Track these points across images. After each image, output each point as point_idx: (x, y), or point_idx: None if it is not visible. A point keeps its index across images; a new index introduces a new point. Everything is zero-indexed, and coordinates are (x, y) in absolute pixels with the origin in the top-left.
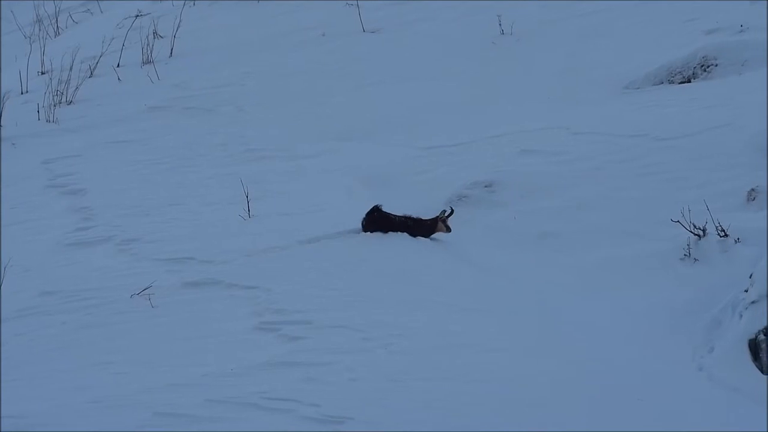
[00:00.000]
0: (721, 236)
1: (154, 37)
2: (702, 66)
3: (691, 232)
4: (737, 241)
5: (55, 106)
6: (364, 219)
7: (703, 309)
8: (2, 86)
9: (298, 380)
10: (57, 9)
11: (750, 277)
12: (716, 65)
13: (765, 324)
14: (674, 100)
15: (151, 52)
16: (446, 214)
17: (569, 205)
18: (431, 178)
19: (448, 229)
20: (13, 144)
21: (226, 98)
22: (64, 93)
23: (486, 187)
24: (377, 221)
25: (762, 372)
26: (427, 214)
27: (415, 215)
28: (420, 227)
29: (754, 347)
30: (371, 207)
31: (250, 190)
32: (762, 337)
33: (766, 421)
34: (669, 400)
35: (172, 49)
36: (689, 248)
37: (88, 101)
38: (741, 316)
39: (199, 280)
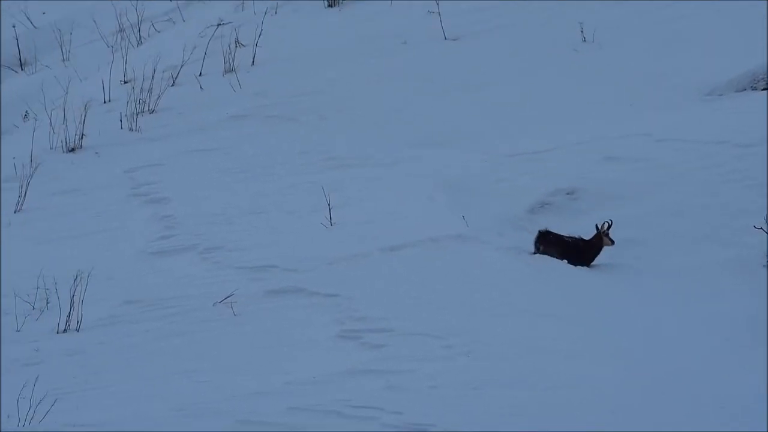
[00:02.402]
0: None
1: (236, 46)
2: None
3: None
4: None
5: (137, 115)
6: (538, 242)
7: None
8: (86, 95)
9: (379, 388)
10: (139, 18)
11: None
12: None
13: None
14: (757, 106)
15: (232, 60)
16: (607, 227)
17: (651, 211)
18: (513, 185)
19: (612, 242)
20: (97, 153)
21: (307, 106)
22: (147, 102)
23: (568, 194)
24: (553, 243)
25: None
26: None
27: (576, 235)
28: (590, 246)
29: None
30: (541, 231)
31: (331, 198)
32: None
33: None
34: (742, 408)
35: (253, 58)
36: None
37: (170, 110)
38: None
39: (281, 288)
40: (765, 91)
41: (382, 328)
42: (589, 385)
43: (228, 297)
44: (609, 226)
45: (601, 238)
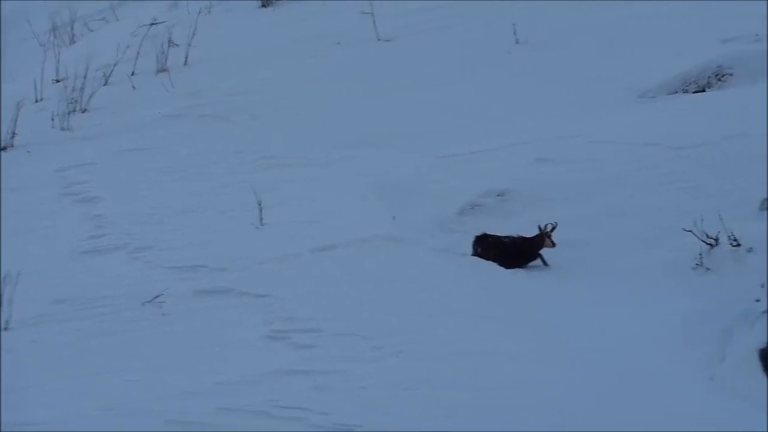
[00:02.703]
0: (733, 245)
1: (169, 45)
2: (717, 75)
3: (703, 241)
4: (750, 250)
5: (69, 114)
6: (476, 245)
7: (715, 318)
8: (17, 94)
9: (308, 389)
10: (72, 17)
11: (762, 287)
12: (731, 75)
13: None
14: (689, 109)
15: (165, 60)
16: (550, 229)
17: (583, 214)
18: (446, 186)
19: (553, 244)
20: (28, 152)
21: (240, 106)
22: (79, 101)
23: (499, 195)
24: (490, 247)
25: None
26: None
27: (515, 234)
28: (530, 245)
29: (765, 357)
30: (478, 235)
31: (264, 198)
32: None
33: (767, 423)
34: (680, 409)
35: (186, 57)
36: (702, 258)
37: (103, 109)
38: (753, 325)
39: (211, 288)
40: (696, 94)
41: (312, 329)
42: (520, 386)
43: (158, 297)
44: (553, 228)
45: (543, 239)
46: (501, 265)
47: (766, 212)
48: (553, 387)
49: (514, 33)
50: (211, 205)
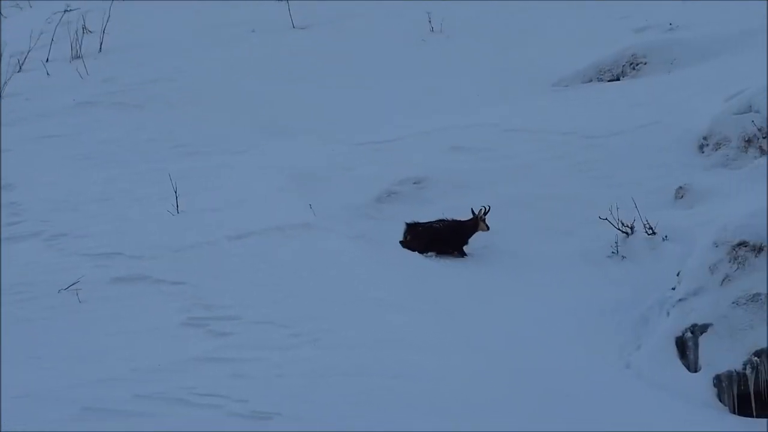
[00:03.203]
0: (648, 234)
1: (83, 32)
2: (631, 64)
3: (618, 229)
4: (665, 238)
5: None
6: (407, 234)
7: (630, 307)
8: None
9: (225, 376)
10: None
11: (677, 275)
12: (645, 63)
13: (692, 322)
14: (603, 98)
15: (80, 47)
16: (484, 213)
17: (498, 202)
18: (361, 174)
19: (487, 228)
20: None
21: (155, 94)
22: None
23: (415, 183)
24: (421, 235)
25: (689, 369)
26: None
27: (450, 218)
28: (462, 227)
29: (681, 345)
30: (408, 222)
31: (179, 186)
32: (689, 334)
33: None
34: (596, 397)
35: (101, 45)
36: (617, 246)
37: (17, 96)
38: (668, 314)
39: (127, 276)
40: (611, 83)
41: (228, 316)
42: (435, 375)
43: (73, 284)
44: (486, 212)
45: (477, 222)
46: (434, 251)
47: (680, 201)
48: (465, 376)
49: (429, 21)
50: (126, 193)
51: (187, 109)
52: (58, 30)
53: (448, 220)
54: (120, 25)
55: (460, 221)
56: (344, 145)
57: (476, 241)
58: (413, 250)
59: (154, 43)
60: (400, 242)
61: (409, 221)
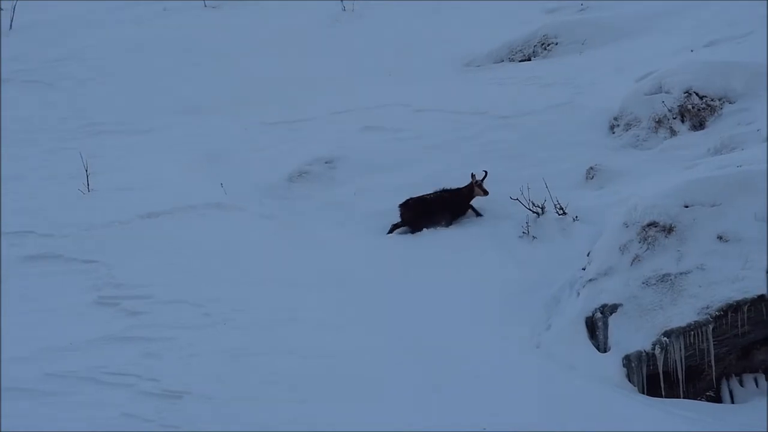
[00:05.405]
0: (559, 214)
1: None
2: (542, 44)
3: (529, 210)
4: (575, 219)
5: None
6: (401, 209)
7: (541, 287)
8: None
9: (137, 355)
10: None
11: (588, 255)
12: (557, 44)
13: (602, 302)
14: (515, 78)
15: None
16: (482, 178)
17: (409, 182)
18: (272, 154)
19: (485, 192)
20: None
21: (66, 72)
22: None
23: (327, 163)
24: (414, 206)
25: (599, 350)
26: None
27: (447, 187)
28: (458, 195)
29: (591, 325)
30: (401, 202)
31: (90, 165)
32: (599, 315)
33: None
34: (506, 378)
35: (11, 22)
36: (528, 226)
37: None
38: (578, 294)
39: (38, 254)
40: (522, 63)
41: (141, 295)
42: (343, 354)
43: None
44: (484, 177)
45: (472, 188)
46: (430, 223)
47: (591, 181)
48: (372, 356)
49: (341, 0)
50: (37, 172)
51: (98, 88)
52: None
53: (439, 191)
54: (31, 4)
55: (453, 189)
56: (255, 125)
57: (384, 220)
58: (412, 227)
59: (64, 21)
60: (399, 223)
61: (401, 201)
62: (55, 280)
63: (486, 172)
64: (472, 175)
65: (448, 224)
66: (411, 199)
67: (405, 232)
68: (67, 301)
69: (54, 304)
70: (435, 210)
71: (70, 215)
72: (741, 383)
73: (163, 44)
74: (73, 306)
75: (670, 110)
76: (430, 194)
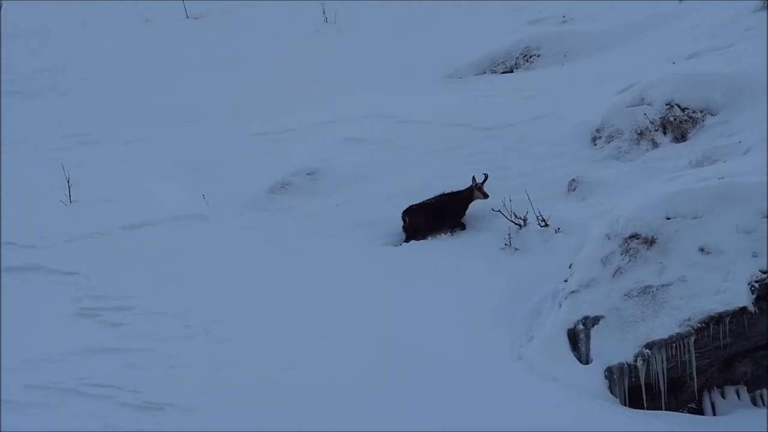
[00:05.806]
0: (541, 226)
1: None
2: (524, 56)
3: (512, 221)
4: (558, 230)
5: None
6: (404, 216)
7: (523, 298)
8: None
9: (118, 366)
10: None
11: (570, 267)
12: (539, 55)
13: (584, 314)
14: (497, 90)
15: None
16: (482, 181)
17: (392, 193)
18: (256, 165)
19: (486, 196)
20: None
21: (49, 82)
22: None
23: (309, 174)
24: (416, 212)
25: (580, 361)
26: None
27: (447, 191)
28: (459, 198)
29: (573, 337)
30: (404, 209)
31: (73, 175)
32: (581, 326)
33: None
34: (488, 390)
35: None
36: (510, 238)
37: None
38: (560, 305)
39: (20, 265)
40: (504, 74)
41: (122, 307)
42: (327, 366)
43: None
44: (484, 180)
45: (472, 191)
46: (434, 227)
47: (573, 193)
48: (351, 367)
49: (323, 11)
50: (19, 182)
51: (81, 99)
52: None
53: (440, 195)
54: (14, 13)
55: (454, 192)
56: (238, 135)
57: (368, 230)
58: (416, 233)
59: (48, 31)
60: (403, 228)
61: (404, 208)
62: (36, 291)
63: (486, 175)
64: (473, 178)
65: (453, 229)
66: (414, 205)
67: (387, 244)
68: (48, 313)
69: (35, 316)
70: (438, 214)
71: (51, 226)
72: (723, 395)
73: (145, 55)
74: (54, 317)
75: (652, 122)
76: (431, 199)
